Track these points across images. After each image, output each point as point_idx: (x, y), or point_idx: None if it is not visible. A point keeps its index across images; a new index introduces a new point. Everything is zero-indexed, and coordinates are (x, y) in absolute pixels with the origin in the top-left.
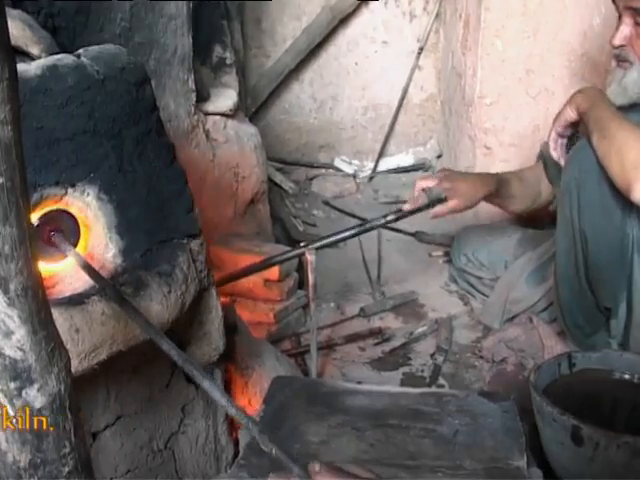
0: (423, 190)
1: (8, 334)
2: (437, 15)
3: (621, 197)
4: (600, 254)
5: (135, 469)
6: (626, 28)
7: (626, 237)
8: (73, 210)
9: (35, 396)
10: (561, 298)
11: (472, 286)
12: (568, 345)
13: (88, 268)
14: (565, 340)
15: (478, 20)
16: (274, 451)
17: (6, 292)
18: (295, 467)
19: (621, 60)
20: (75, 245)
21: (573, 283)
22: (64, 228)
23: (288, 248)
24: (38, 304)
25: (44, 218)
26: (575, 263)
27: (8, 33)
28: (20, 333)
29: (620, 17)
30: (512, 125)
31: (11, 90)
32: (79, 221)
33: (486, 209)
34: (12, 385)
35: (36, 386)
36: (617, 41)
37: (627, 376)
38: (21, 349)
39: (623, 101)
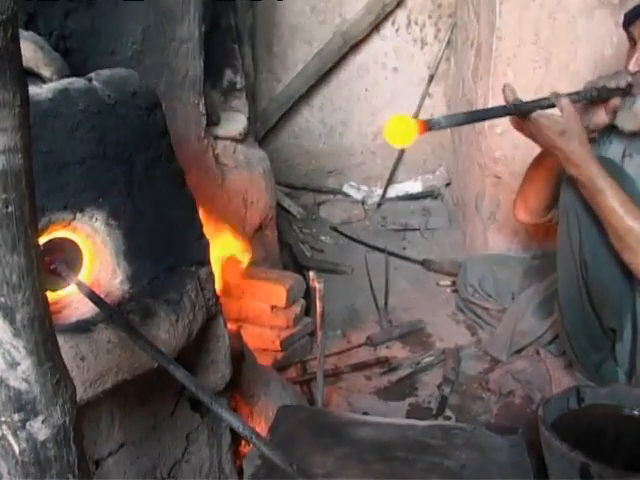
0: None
1: (13, 365)
2: (448, 43)
3: None
4: (602, 275)
5: None
6: None
7: None
8: (80, 236)
9: (39, 428)
10: (566, 323)
11: (479, 317)
12: (575, 378)
13: (93, 297)
14: (572, 373)
15: (490, 49)
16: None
17: (12, 322)
18: None
19: (631, 85)
20: (79, 272)
21: (577, 306)
22: (67, 256)
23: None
24: (44, 334)
25: (46, 247)
26: (577, 286)
27: (21, 60)
28: (26, 364)
29: (633, 45)
30: (522, 154)
31: (22, 117)
32: (83, 247)
33: (495, 236)
34: (16, 417)
35: (41, 418)
36: (634, 67)
37: (636, 412)
38: (26, 380)
39: (633, 127)
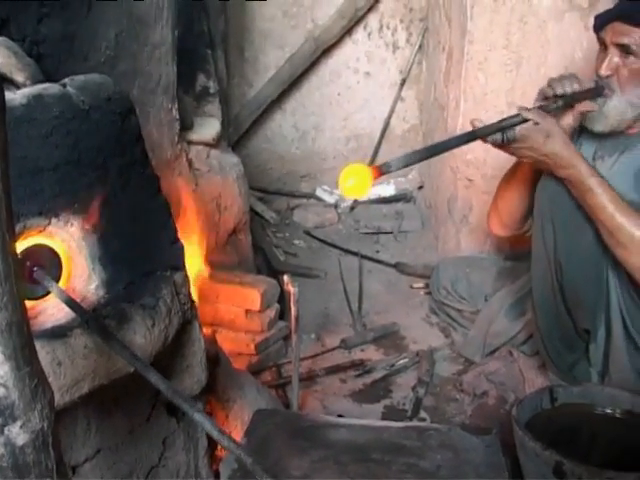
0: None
1: None
2: (420, 47)
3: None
4: (576, 276)
5: None
6: (614, 58)
7: (601, 257)
8: (55, 241)
9: (18, 433)
10: (540, 324)
11: (452, 319)
12: (549, 378)
13: (71, 303)
14: (546, 373)
15: (461, 53)
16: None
17: None
18: None
19: (602, 87)
20: (57, 279)
21: (550, 307)
22: (45, 262)
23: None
24: (22, 340)
25: (24, 253)
26: (552, 287)
27: None
28: (4, 369)
29: (604, 49)
30: (494, 158)
31: None
32: (60, 253)
33: (468, 238)
34: None
35: (19, 423)
36: (606, 71)
37: (608, 410)
38: (4, 385)
39: (603, 129)
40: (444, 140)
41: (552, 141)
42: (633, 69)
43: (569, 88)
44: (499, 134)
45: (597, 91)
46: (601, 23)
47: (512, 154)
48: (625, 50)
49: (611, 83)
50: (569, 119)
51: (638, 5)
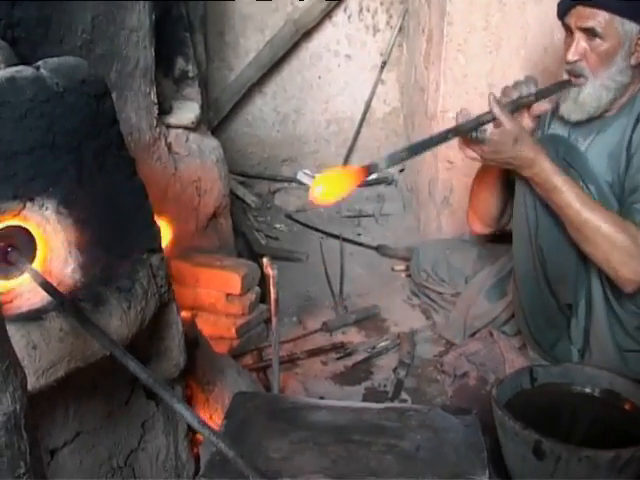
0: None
1: None
2: (400, 29)
3: None
4: (557, 251)
5: None
6: (581, 42)
7: None
8: (31, 225)
9: None
10: (522, 302)
11: (433, 301)
12: (529, 358)
13: (46, 285)
14: (526, 354)
15: (441, 34)
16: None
17: None
18: None
19: (575, 75)
20: (32, 260)
21: (533, 285)
22: (20, 244)
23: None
24: None
25: None
26: (533, 264)
27: None
28: None
29: (570, 34)
30: None
31: None
32: (36, 236)
33: (449, 220)
34: None
35: None
36: (573, 56)
37: (588, 389)
38: None
39: (580, 117)
40: (426, 138)
41: (520, 145)
42: (601, 51)
43: (525, 92)
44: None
45: (562, 85)
46: (564, 9)
47: (481, 159)
48: (591, 33)
49: (582, 69)
50: (527, 121)
51: None
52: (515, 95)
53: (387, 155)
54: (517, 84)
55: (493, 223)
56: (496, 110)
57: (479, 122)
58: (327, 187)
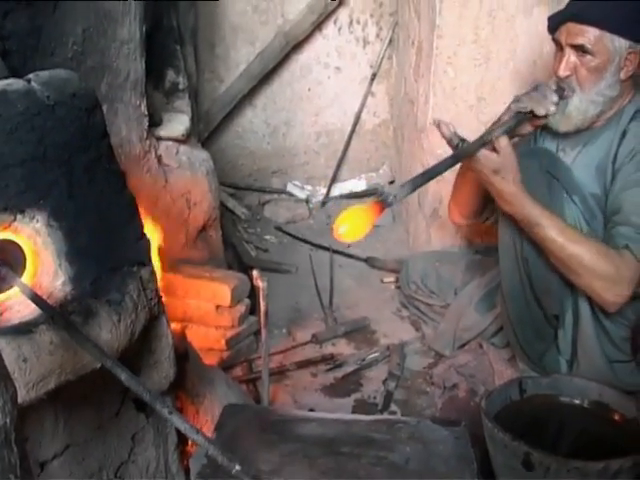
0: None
1: None
2: (390, 42)
3: None
4: (543, 264)
5: None
6: (572, 58)
7: None
8: (21, 237)
9: None
10: (510, 313)
11: (423, 313)
12: (518, 370)
13: (36, 298)
14: (515, 365)
15: (430, 47)
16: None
17: None
18: None
19: (563, 89)
20: (22, 273)
21: (520, 297)
22: (9, 257)
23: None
24: None
25: None
26: (520, 276)
27: None
28: None
29: (561, 49)
30: None
31: None
32: (26, 249)
33: (439, 232)
34: None
35: None
36: (564, 72)
37: (577, 401)
38: None
39: (567, 129)
40: (433, 166)
41: (499, 177)
42: (591, 67)
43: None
44: (456, 140)
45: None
46: (554, 25)
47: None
48: (581, 50)
49: (571, 83)
50: (527, 128)
51: (588, 4)
52: (529, 105)
53: (400, 186)
54: (538, 91)
55: (473, 216)
56: (495, 139)
57: (482, 143)
58: (350, 225)
